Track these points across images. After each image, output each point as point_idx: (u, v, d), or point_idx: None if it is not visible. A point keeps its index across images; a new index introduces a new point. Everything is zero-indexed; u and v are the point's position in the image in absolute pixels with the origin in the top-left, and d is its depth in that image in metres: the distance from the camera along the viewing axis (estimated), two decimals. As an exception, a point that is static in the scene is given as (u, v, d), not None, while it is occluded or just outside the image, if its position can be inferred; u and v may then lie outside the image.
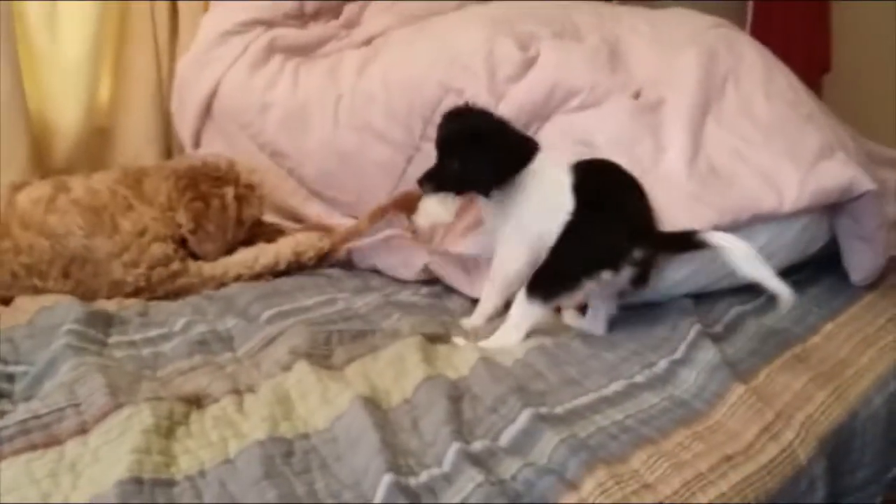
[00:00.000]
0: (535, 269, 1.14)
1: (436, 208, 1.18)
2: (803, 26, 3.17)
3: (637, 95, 1.43)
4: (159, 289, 1.25)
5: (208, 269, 1.32)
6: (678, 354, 1.09)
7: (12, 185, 1.33)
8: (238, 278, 1.34)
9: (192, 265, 1.31)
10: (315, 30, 1.73)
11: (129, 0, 1.69)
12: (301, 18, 1.74)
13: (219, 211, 1.30)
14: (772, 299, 1.27)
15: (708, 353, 1.07)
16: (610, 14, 1.68)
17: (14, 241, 1.22)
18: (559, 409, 0.95)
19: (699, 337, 1.11)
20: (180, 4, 1.72)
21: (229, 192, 1.33)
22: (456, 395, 0.97)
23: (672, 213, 1.21)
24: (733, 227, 1.21)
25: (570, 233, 1.11)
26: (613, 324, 1.21)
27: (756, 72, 1.48)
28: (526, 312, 1.13)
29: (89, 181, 1.31)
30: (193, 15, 1.72)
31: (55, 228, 1.22)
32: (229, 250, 1.37)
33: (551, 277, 1.12)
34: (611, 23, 1.61)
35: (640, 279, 1.14)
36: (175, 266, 1.26)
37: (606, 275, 1.10)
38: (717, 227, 1.19)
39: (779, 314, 1.23)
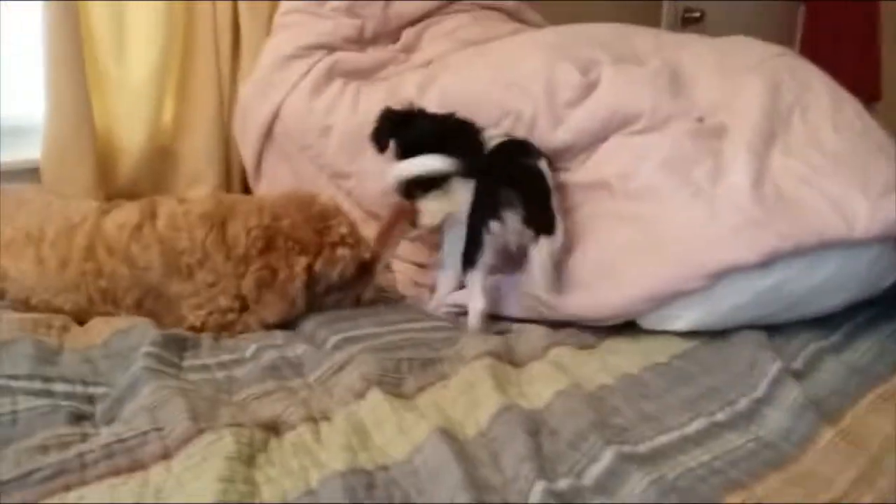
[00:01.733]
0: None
1: (435, 204, 1.31)
2: (852, 55, 3.14)
3: (700, 121, 1.42)
4: (212, 330, 1.24)
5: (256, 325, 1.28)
6: (759, 392, 1.06)
7: (101, 207, 1.34)
8: None
9: (249, 318, 1.27)
10: (374, 54, 1.74)
11: (193, 24, 1.71)
12: (360, 43, 1.75)
13: (283, 283, 1.25)
14: (850, 335, 1.26)
15: (792, 392, 1.04)
16: (671, 41, 1.66)
17: (98, 265, 1.23)
18: (642, 448, 0.93)
19: (781, 374, 1.08)
20: (243, 29, 1.74)
21: (301, 261, 1.26)
22: (533, 428, 0.95)
23: (733, 235, 1.20)
24: (797, 253, 1.20)
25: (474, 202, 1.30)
26: (683, 355, 1.18)
27: (823, 101, 1.45)
28: (472, 283, 1.30)
29: (176, 211, 1.29)
30: (256, 39, 1.73)
31: (137, 259, 1.23)
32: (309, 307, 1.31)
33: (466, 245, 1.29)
34: (672, 49, 1.60)
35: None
36: (230, 317, 1.25)
37: (495, 226, 1.25)
38: (779, 252, 1.19)
39: (858, 351, 1.20)
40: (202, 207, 1.28)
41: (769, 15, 3.13)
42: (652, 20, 2.74)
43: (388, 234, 1.37)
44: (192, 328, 1.23)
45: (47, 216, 1.30)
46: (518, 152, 1.36)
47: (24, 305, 1.23)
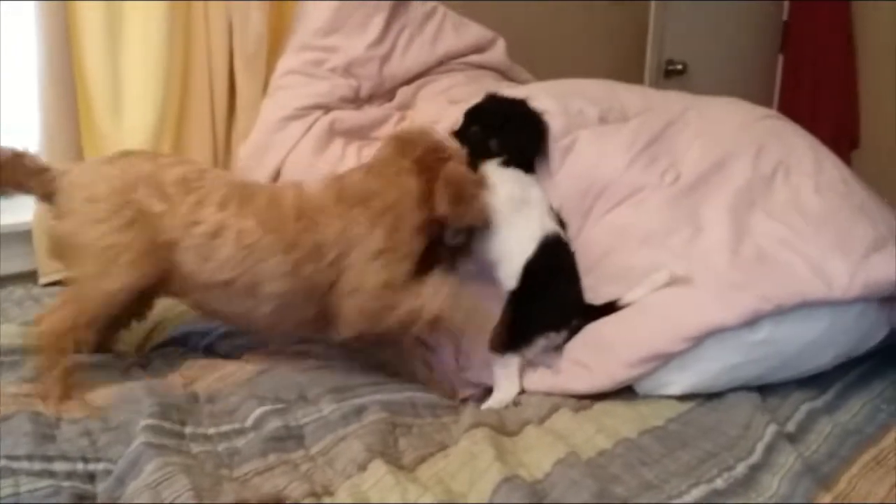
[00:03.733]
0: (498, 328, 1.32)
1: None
2: (831, 104, 3.23)
3: (675, 179, 1.45)
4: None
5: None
6: (756, 457, 1.07)
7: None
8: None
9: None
10: (370, 112, 1.78)
11: (189, 84, 1.74)
12: (356, 102, 1.78)
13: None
14: (842, 394, 1.28)
15: (789, 458, 1.06)
16: (658, 97, 1.70)
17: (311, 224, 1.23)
18: (645, 519, 0.93)
19: (776, 439, 1.10)
20: (240, 89, 1.77)
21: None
22: (535, 501, 0.95)
23: (713, 298, 1.23)
24: (780, 313, 1.22)
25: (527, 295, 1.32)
26: (679, 418, 1.20)
27: (806, 163, 1.48)
28: (508, 366, 1.32)
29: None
30: (252, 100, 1.76)
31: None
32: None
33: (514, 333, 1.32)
34: (658, 106, 1.64)
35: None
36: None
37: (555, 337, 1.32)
38: (760, 313, 1.22)
39: (850, 411, 1.22)
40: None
41: (749, 65, 3.23)
42: (635, 71, 2.82)
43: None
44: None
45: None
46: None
47: None
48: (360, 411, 1.15)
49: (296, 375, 1.25)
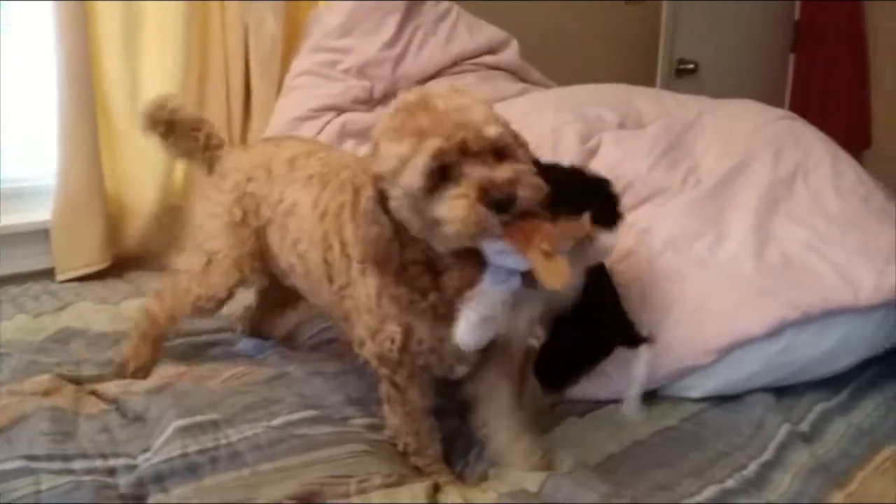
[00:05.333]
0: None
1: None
2: (843, 103, 3.21)
3: (696, 181, 1.44)
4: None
5: None
6: (768, 455, 1.07)
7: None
8: None
9: None
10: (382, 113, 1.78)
11: (205, 85, 1.75)
12: (369, 103, 1.79)
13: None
14: (856, 394, 1.27)
15: (802, 456, 1.05)
16: (672, 102, 1.69)
17: None
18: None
19: (790, 437, 1.09)
20: (254, 90, 1.78)
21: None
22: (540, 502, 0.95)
23: (739, 307, 1.20)
24: (805, 321, 1.20)
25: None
26: (693, 418, 1.19)
27: (824, 166, 1.46)
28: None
29: None
30: (267, 100, 1.78)
31: None
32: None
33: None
34: (673, 111, 1.63)
35: None
36: None
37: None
38: (787, 322, 1.19)
39: (864, 411, 1.21)
40: None
41: (760, 65, 3.21)
42: (648, 71, 2.80)
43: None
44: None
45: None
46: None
47: None
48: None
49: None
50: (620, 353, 1.22)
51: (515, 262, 0.86)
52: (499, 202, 0.82)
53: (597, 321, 1.17)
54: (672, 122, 1.56)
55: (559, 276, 0.83)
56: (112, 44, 1.65)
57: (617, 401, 1.20)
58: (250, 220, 1.19)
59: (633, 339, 1.19)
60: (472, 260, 0.89)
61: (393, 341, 0.97)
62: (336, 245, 1.03)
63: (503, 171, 0.83)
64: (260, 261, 1.21)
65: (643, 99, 1.68)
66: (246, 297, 1.42)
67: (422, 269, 0.94)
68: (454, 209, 0.82)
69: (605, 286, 1.21)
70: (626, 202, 1.37)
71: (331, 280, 1.06)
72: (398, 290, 0.95)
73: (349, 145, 1.67)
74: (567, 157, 1.45)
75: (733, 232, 1.32)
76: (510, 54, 1.99)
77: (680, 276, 1.27)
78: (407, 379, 1.01)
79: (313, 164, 1.15)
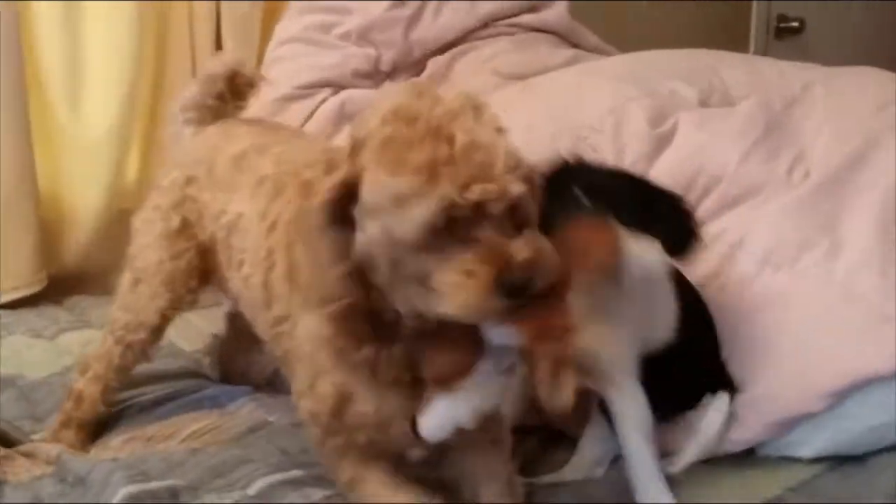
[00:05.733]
0: None
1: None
2: None
3: (805, 175, 1.42)
4: None
5: None
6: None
7: None
8: None
9: None
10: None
11: (164, 64, 1.76)
12: (375, 76, 1.79)
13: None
14: None
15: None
16: (771, 71, 1.67)
17: None
18: None
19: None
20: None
21: None
22: None
23: (860, 338, 1.18)
24: None
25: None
26: (802, 488, 1.16)
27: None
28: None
29: None
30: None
31: None
32: None
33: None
34: (772, 83, 1.61)
35: None
36: None
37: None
38: None
39: None
40: None
41: (879, 23, 3.16)
42: (739, 30, 2.80)
43: None
44: None
45: None
46: None
47: None
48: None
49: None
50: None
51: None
52: (513, 288, 0.79)
53: (691, 364, 1.16)
54: (770, 97, 1.54)
55: (563, 397, 0.82)
56: (48, 10, 1.68)
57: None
58: (192, 231, 1.18)
59: (727, 385, 1.19)
60: (464, 337, 0.85)
61: (323, 402, 0.95)
62: (280, 264, 0.98)
63: (523, 249, 0.80)
64: (199, 280, 1.21)
65: (732, 68, 1.66)
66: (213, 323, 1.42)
67: (383, 324, 0.88)
68: (458, 289, 0.78)
69: (700, 318, 1.21)
70: (709, 207, 1.39)
71: (268, 307, 1.03)
72: (341, 341, 0.90)
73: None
74: (631, 144, 1.45)
75: (851, 241, 1.30)
76: (557, 12, 1.97)
77: (782, 301, 1.25)
78: (341, 452, 0.97)
79: (266, 163, 1.12)
